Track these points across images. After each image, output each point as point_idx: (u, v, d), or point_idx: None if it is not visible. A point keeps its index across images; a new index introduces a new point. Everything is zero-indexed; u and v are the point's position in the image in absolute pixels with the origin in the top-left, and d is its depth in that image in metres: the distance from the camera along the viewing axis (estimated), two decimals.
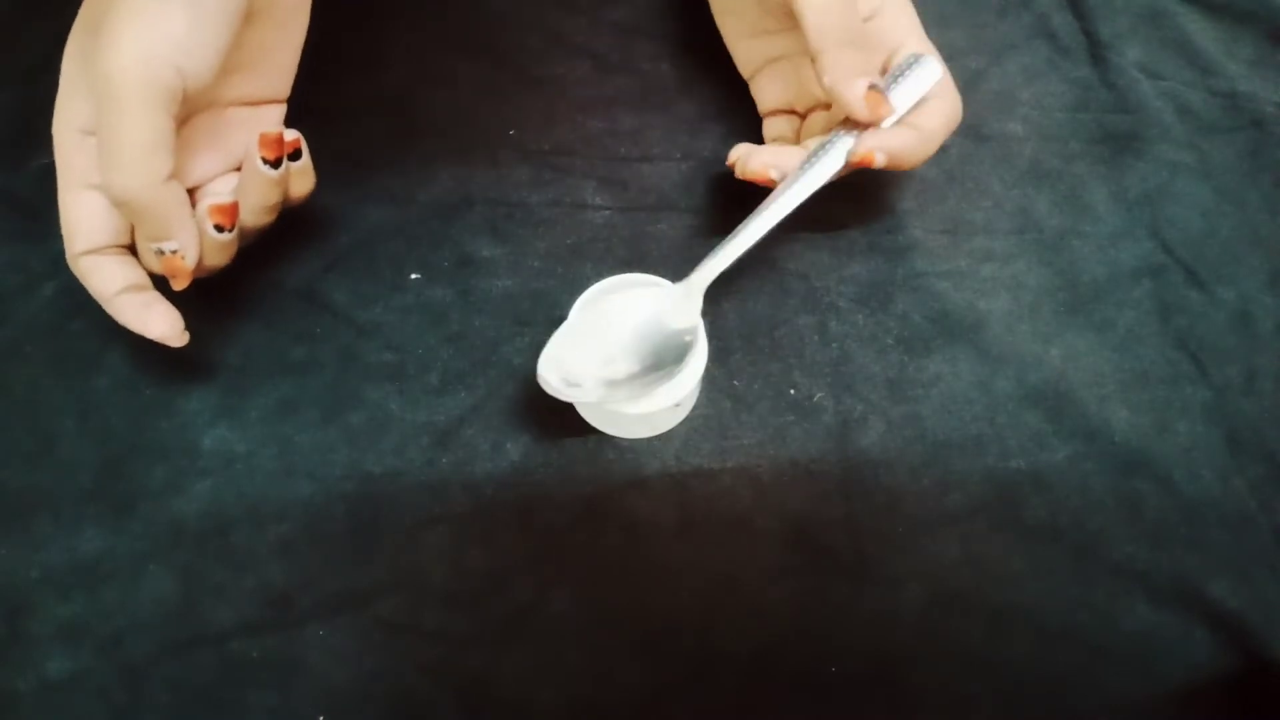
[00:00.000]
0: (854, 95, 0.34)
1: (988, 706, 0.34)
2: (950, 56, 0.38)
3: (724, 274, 0.35)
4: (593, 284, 0.36)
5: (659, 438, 0.38)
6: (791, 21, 0.35)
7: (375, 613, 0.35)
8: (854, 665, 0.35)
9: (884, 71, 0.36)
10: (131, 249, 0.35)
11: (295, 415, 0.38)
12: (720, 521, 0.36)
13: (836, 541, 0.36)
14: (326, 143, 0.36)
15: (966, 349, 0.39)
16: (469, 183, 0.43)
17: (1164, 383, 0.39)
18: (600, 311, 0.35)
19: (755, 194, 0.37)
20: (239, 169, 0.35)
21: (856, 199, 0.42)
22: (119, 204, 0.31)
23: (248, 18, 0.33)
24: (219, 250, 0.34)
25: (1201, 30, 0.47)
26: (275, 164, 0.34)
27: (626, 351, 0.35)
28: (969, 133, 0.43)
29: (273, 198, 0.35)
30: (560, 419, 0.37)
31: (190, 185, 0.35)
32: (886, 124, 0.35)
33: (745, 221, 0.35)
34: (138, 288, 0.34)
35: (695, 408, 0.38)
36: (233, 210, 0.34)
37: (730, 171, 0.38)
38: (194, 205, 0.34)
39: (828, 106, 0.40)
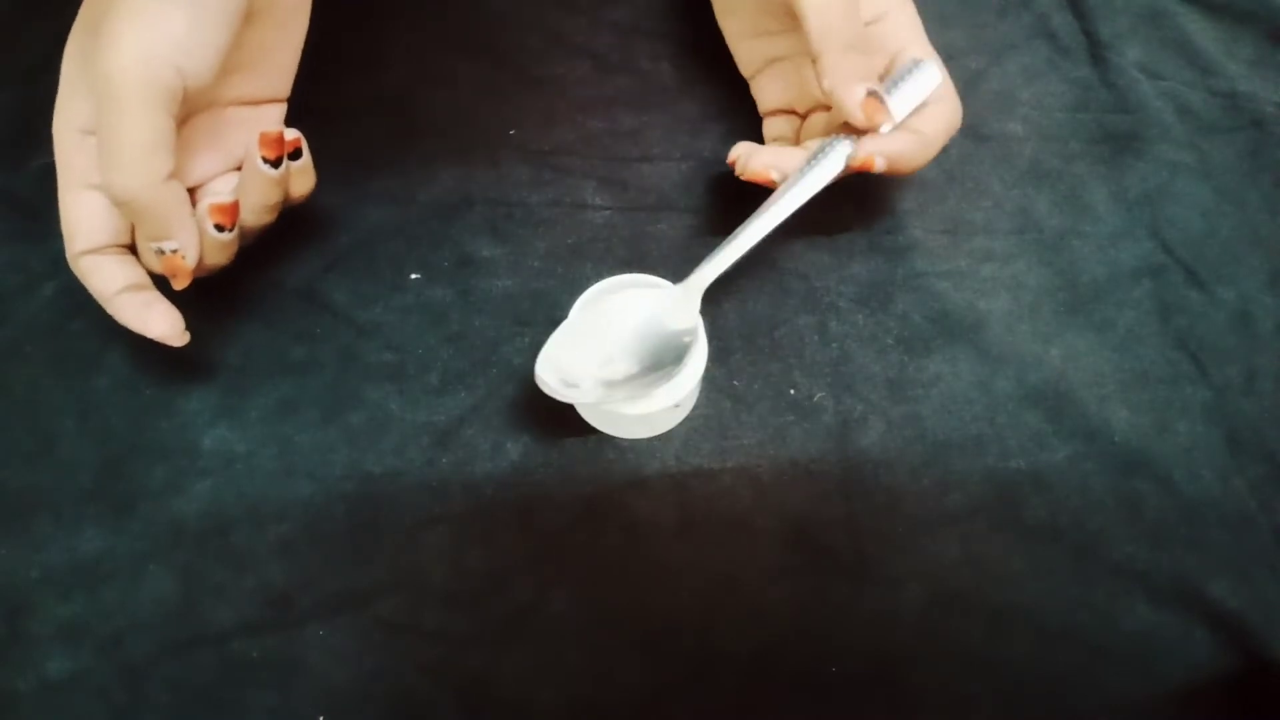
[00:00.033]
0: (853, 100, 0.34)
1: (988, 706, 0.34)
2: (950, 56, 0.38)
3: (724, 274, 0.35)
4: (593, 284, 0.36)
5: (659, 438, 0.38)
6: (793, 22, 0.35)
7: (375, 613, 0.35)
8: (854, 665, 0.35)
9: (885, 75, 0.36)
10: (132, 249, 0.35)
11: (295, 415, 0.38)
12: (720, 521, 0.36)
13: (836, 541, 0.36)
14: (326, 143, 0.36)
15: (966, 349, 0.39)
16: (469, 183, 0.43)
17: (1164, 383, 0.39)
18: (599, 312, 0.35)
19: (755, 194, 0.37)
20: (239, 169, 0.35)
21: (856, 199, 0.42)
22: (119, 204, 0.31)
23: (248, 17, 0.33)
24: (219, 250, 0.34)
25: (1201, 30, 0.47)
26: (276, 163, 0.34)
27: (625, 352, 0.35)
28: (969, 133, 0.43)
29: (273, 197, 0.35)
30: (560, 419, 0.37)
31: (190, 185, 0.35)
32: (885, 129, 0.35)
33: (744, 224, 0.35)
34: (138, 287, 0.34)
35: (695, 408, 0.38)
36: (233, 210, 0.34)
37: (730, 171, 0.38)
38: (194, 205, 0.34)
39: (828, 108, 0.40)
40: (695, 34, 0.45)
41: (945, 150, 0.37)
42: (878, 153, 0.34)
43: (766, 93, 0.42)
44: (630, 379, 0.34)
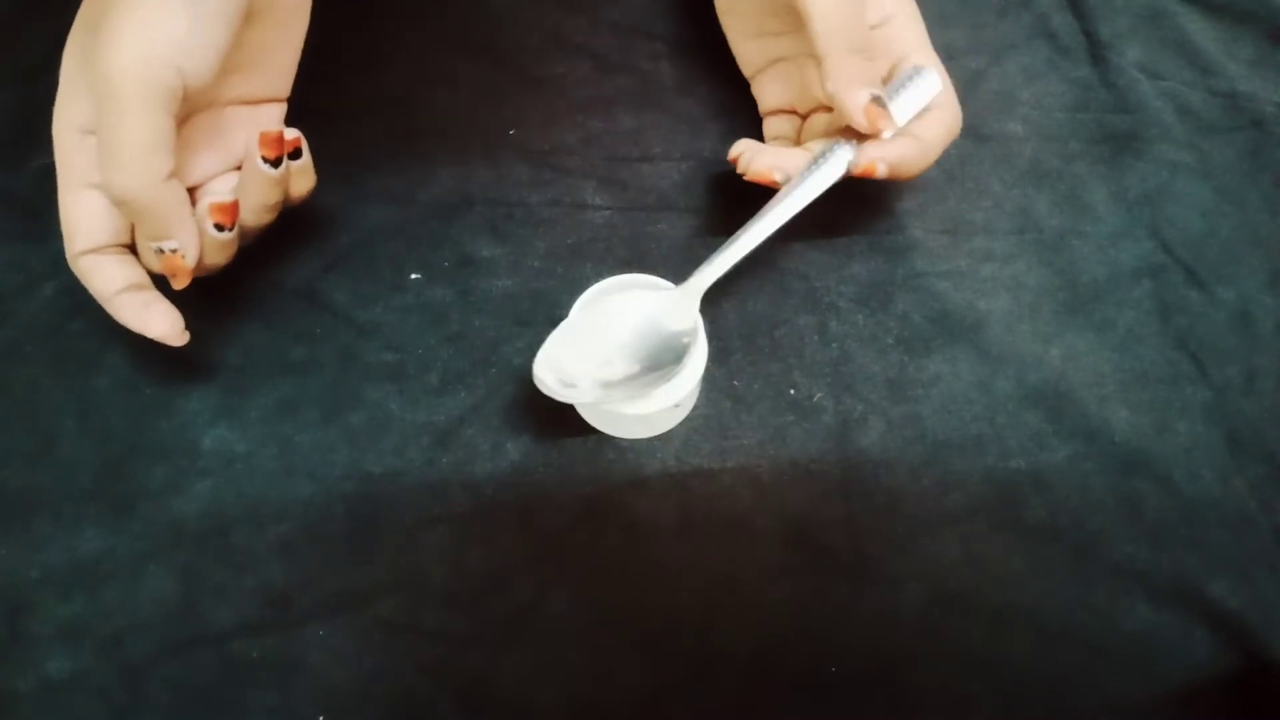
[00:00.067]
0: (855, 105, 0.34)
1: (988, 706, 0.34)
2: (950, 56, 0.38)
3: (724, 274, 0.35)
4: (593, 284, 0.36)
5: (659, 438, 0.38)
6: (796, 23, 0.35)
7: (375, 613, 0.35)
8: (854, 665, 0.35)
9: (886, 80, 0.36)
10: (132, 248, 0.35)
11: (295, 415, 0.38)
12: (720, 521, 0.36)
13: (836, 541, 0.36)
14: (326, 143, 0.36)
15: (966, 349, 0.39)
16: (469, 183, 0.43)
17: (1164, 383, 0.39)
18: (599, 312, 0.35)
19: (755, 194, 0.37)
20: (239, 168, 0.35)
21: (856, 199, 0.42)
22: (119, 203, 0.31)
23: (248, 17, 0.33)
24: (219, 249, 0.34)
25: (1201, 30, 0.47)
26: (275, 163, 0.34)
27: (624, 353, 0.35)
28: (969, 133, 0.43)
29: (273, 197, 0.35)
30: (560, 419, 0.37)
31: (190, 184, 0.35)
32: (886, 135, 0.35)
33: (744, 227, 0.35)
34: (138, 287, 0.34)
35: (695, 408, 0.38)
36: (233, 209, 0.34)
37: (730, 171, 0.38)
38: (194, 204, 0.34)
39: (829, 109, 0.40)
40: (695, 34, 0.45)
41: (945, 151, 0.37)
42: (880, 159, 0.35)
43: (767, 93, 0.42)
44: (629, 379, 0.34)
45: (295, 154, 0.35)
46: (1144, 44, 0.47)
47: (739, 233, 0.35)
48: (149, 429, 0.37)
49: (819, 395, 0.38)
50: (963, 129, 0.37)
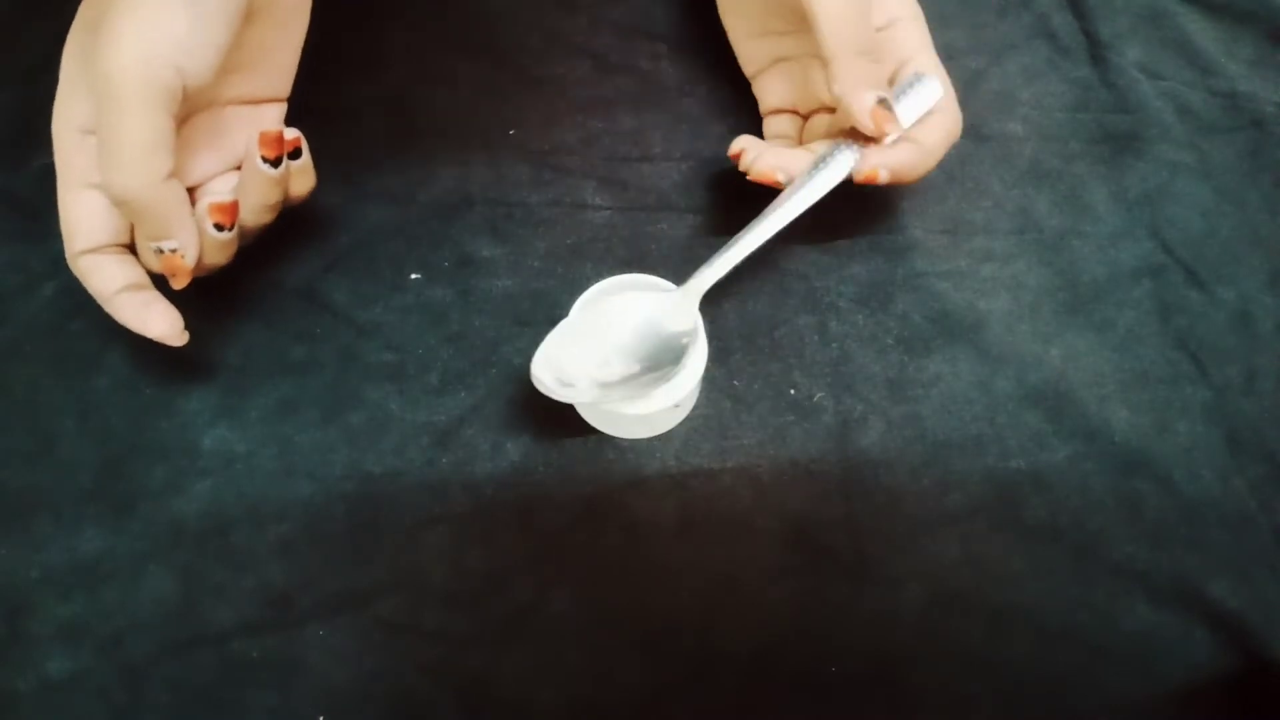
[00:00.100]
0: (862, 107, 0.34)
1: (988, 706, 0.34)
2: (950, 56, 0.38)
3: (724, 275, 0.35)
4: (593, 284, 0.36)
5: (659, 438, 0.38)
6: (799, 23, 0.35)
7: (375, 613, 0.35)
8: (854, 665, 0.35)
9: (891, 83, 0.36)
10: (131, 248, 0.35)
11: (295, 415, 0.38)
12: (720, 521, 0.36)
13: (836, 541, 0.36)
14: (326, 143, 0.36)
15: (966, 349, 0.39)
16: (469, 183, 0.43)
17: (1164, 383, 0.39)
18: (599, 312, 0.35)
19: (755, 194, 0.37)
20: (239, 168, 0.35)
21: (857, 199, 0.42)
22: (119, 203, 0.31)
23: (248, 17, 0.33)
24: (219, 249, 0.34)
25: (1201, 30, 0.47)
26: (275, 163, 0.34)
27: (623, 353, 0.35)
28: (969, 133, 0.43)
29: (273, 197, 0.35)
30: (560, 419, 0.37)
31: (190, 184, 0.35)
32: (890, 139, 0.35)
33: (744, 230, 0.35)
34: (137, 287, 0.34)
35: (695, 408, 0.38)
36: (232, 209, 0.34)
37: (731, 171, 0.38)
38: (194, 204, 0.34)
39: (831, 110, 0.40)
40: (696, 34, 0.45)
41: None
42: (882, 165, 0.35)
43: (769, 93, 0.42)
44: (627, 380, 0.34)
45: (295, 154, 0.35)
46: (1144, 44, 0.47)
47: (739, 235, 0.35)
48: (149, 429, 0.37)
49: (819, 395, 0.38)
50: (963, 129, 0.37)
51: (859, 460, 0.37)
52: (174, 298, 0.34)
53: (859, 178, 0.35)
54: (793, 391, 0.39)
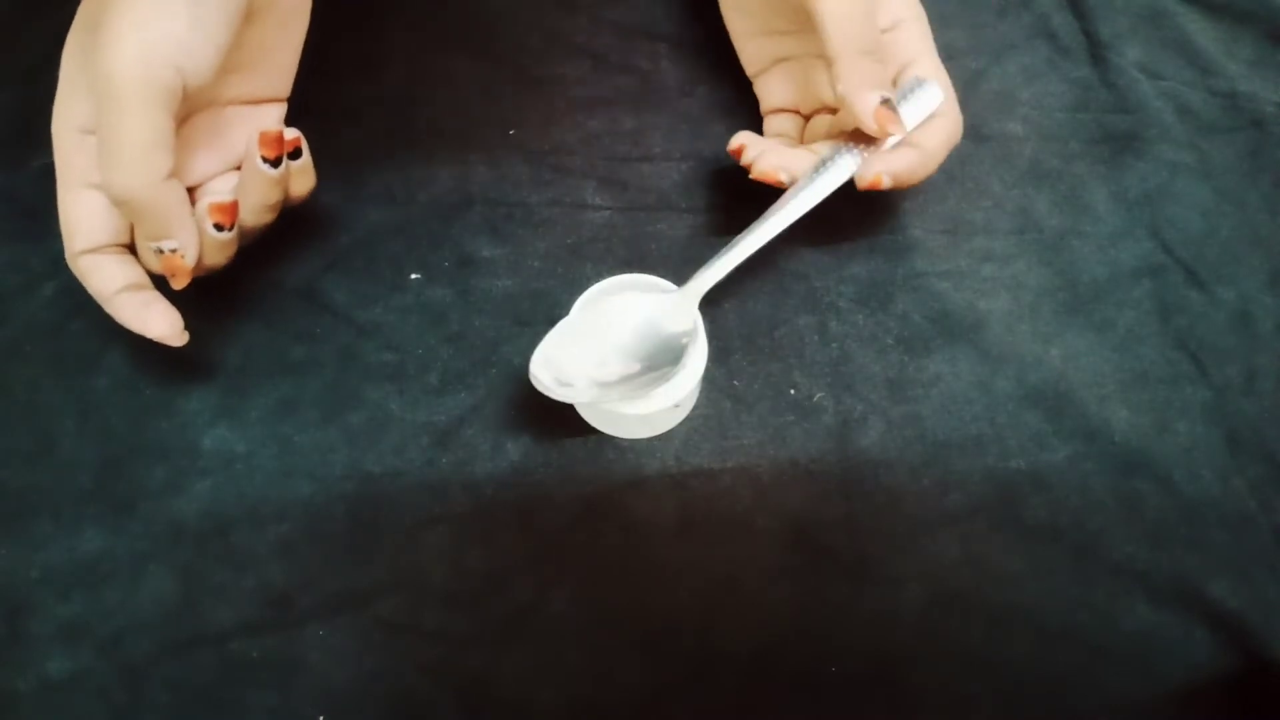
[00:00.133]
0: (866, 108, 0.34)
1: (988, 706, 0.34)
2: (950, 56, 0.38)
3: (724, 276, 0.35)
4: (593, 284, 0.36)
5: (659, 438, 0.38)
6: (803, 22, 0.35)
7: (375, 613, 0.35)
8: (854, 665, 0.35)
9: (892, 85, 0.36)
10: (131, 248, 0.35)
11: (295, 415, 0.38)
12: (720, 521, 0.36)
13: (836, 541, 0.36)
14: (326, 143, 0.37)
15: (966, 349, 0.39)
16: (469, 183, 0.43)
17: (1164, 383, 0.39)
18: (599, 312, 0.35)
19: (755, 194, 0.37)
20: (239, 168, 0.35)
21: (857, 199, 0.42)
22: (119, 203, 0.31)
23: (248, 16, 0.33)
24: (219, 249, 0.34)
25: (1201, 30, 0.47)
26: (275, 163, 0.34)
27: (622, 353, 0.35)
28: (969, 133, 0.43)
29: (273, 197, 0.35)
30: (560, 419, 0.37)
31: (190, 184, 0.35)
32: (891, 142, 0.35)
33: (744, 233, 0.35)
34: (137, 287, 0.34)
35: (695, 408, 0.38)
36: (232, 209, 0.34)
37: (731, 171, 0.38)
38: (194, 204, 0.34)
39: (832, 110, 0.40)
40: (696, 34, 0.46)
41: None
42: (885, 172, 0.35)
43: (771, 92, 0.42)
44: (625, 380, 0.34)
45: (295, 154, 0.35)
46: (1144, 44, 0.47)
47: (739, 237, 0.35)
48: (149, 429, 0.37)
49: (819, 395, 0.38)
50: (963, 129, 0.37)
51: (859, 460, 0.37)
52: (174, 298, 0.34)
53: (862, 185, 0.35)
54: (793, 391, 0.39)
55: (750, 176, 0.37)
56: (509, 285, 0.40)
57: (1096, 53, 0.46)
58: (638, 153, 0.43)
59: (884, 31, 0.37)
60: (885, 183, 0.35)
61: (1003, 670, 0.35)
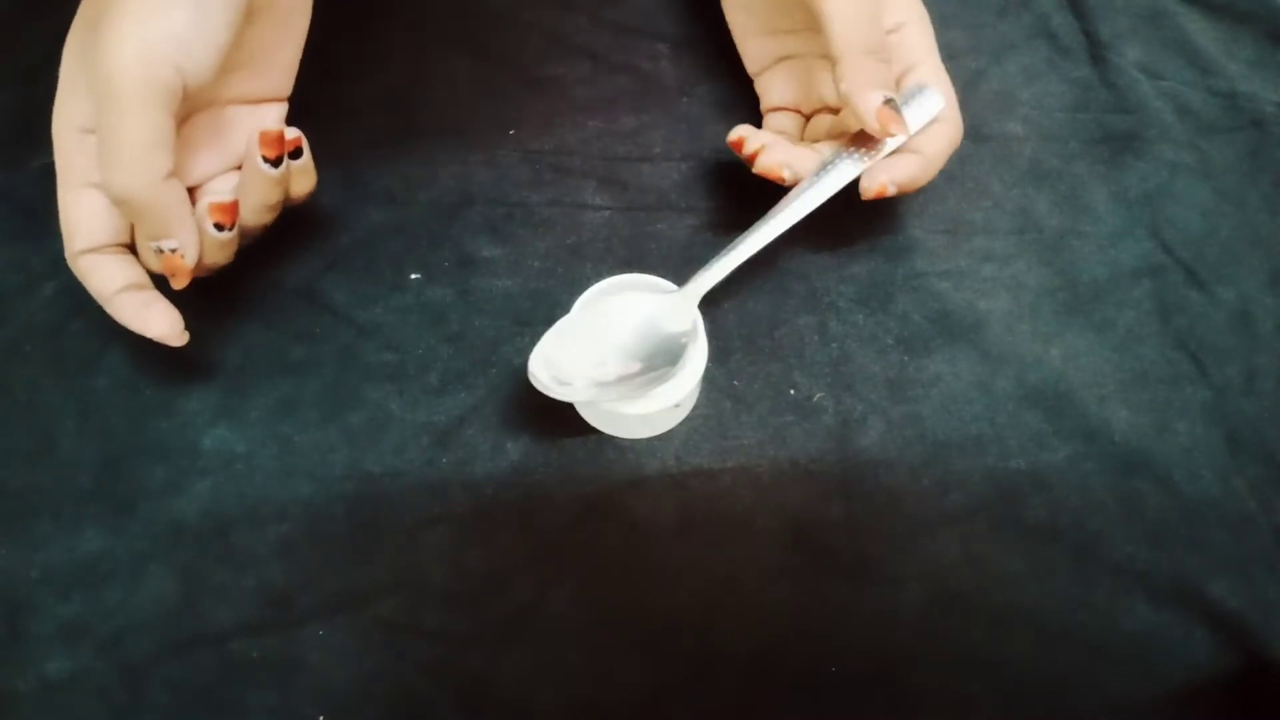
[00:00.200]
0: (869, 108, 0.34)
1: (988, 706, 0.34)
2: (950, 56, 0.38)
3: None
4: (593, 284, 0.36)
5: (659, 438, 0.38)
6: (806, 21, 0.35)
7: (375, 613, 0.35)
8: (854, 665, 0.35)
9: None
10: (131, 248, 0.35)
11: (295, 415, 0.38)
12: (720, 521, 0.36)
13: (836, 541, 0.36)
14: (326, 143, 0.36)
15: (966, 349, 0.39)
16: (469, 183, 0.43)
17: (1164, 383, 0.39)
18: (599, 312, 0.35)
19: (755, 194, 0.37)
20: (239, 168, 0.35)
21: (857, 200, 0.42)
22: (119, 202, 0.31)
23: (249, 15, 0.32)
24: (219, 249, 0.34)
25: (1201, 30, 0.47)
26: (276, 162, 0.34)
27: (621, 353, 0.35)
28: (969, 133, 0.43)
29: (273, 196, 0.35)
30: (560, 419, 0.37)
31: (190, 184, 0.35)
32: (892, 144, 0.35)
33: (743, 234, 0.35)
34: (137, 286, 0.34)
35: (695, 408, 0.38)
36: (233, 209, 0.34)
37: (731, 171, 0.38)
38: (194, 204, 0.34)
39: (833, 110, 0.40)
40: (696, 34, 0.46)
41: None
42: (889, 181, 0.35)
43: (771, 90, 0.42)
44: (624, 379, 0.34)
45: (296, 153, 0.35)
46: (1144, 44, 0.47)
47: (738, 239, 0.35)
48: (149, 429, 0.37)
49: (819, 395, 0.38)
50: (963, 129, 0.37)
51: (859, 460, 0.37)
52: (174, 298, 0.34)
53: (868, 195, 0.35)
54: (793, 391, 0.39)
55: (753, 171, 0.37)
56: (509, 285, 0.40)
57: (1096, 53, 0.46)
58: (638, 153, 0.43)
59: (888, 33, 0.37)
60: (890, 191, 0.35)
61: (1003, 670, 0.35)
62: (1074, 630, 0.35)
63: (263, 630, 0.34)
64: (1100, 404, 0.39)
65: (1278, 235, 0.42)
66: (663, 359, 0.35)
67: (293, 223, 0.39)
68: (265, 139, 0.33)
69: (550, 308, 0.40)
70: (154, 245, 0.32)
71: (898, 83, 0.37)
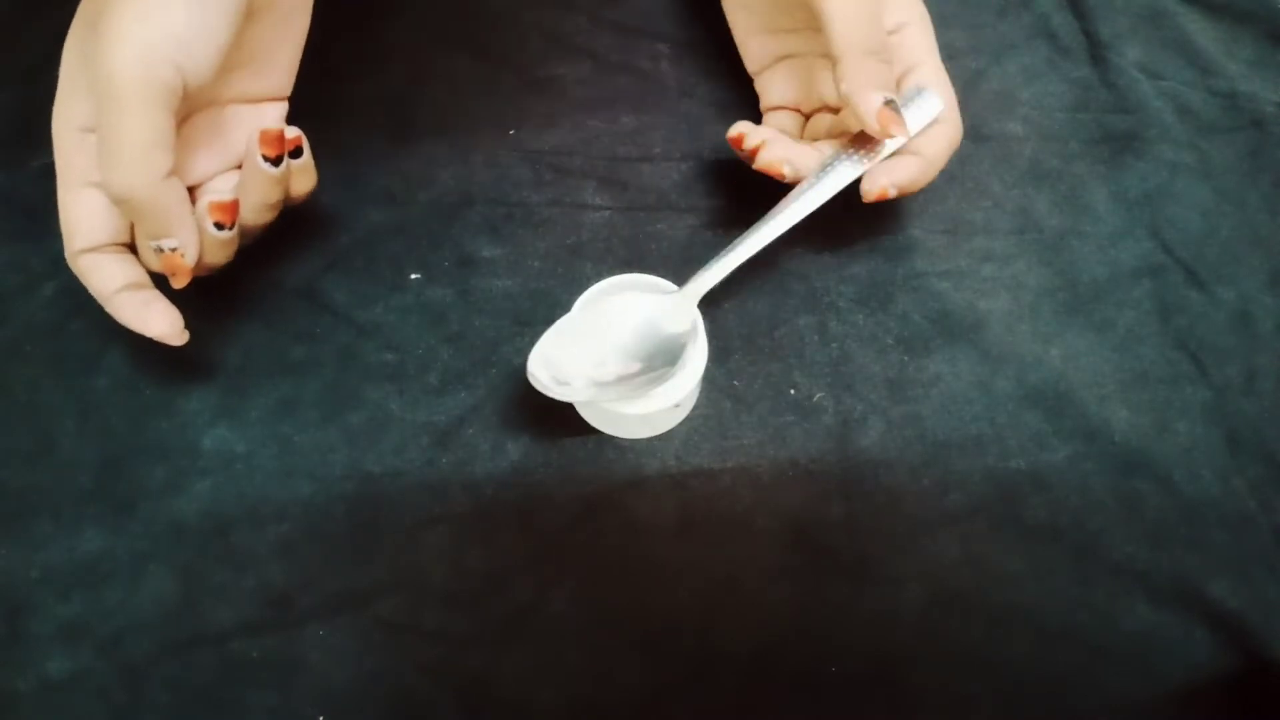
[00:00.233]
0: (869, 108, 0.34)
1: (988, 706, 0.34)
2: (950, 56, 0.38)
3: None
4: (593, 284, 0.36)
5: (659, 438, 0.38)
6: (807, 20, 0.35)
7: (375, 613, 0.35)
8: (854, 665, 0.35)
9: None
10: (131, 247, 0.35)
11: (295, 415, 0.38)
12: (720, 521, 0.36)
13: (836, 541, 0.36)
14: (326, 142, 0.36)
15: (966, 349, 0.39)
16: (469, 183, 0.43)
17: (1164, 383, 0.39)
18: (598, 312, 0.35)
19: (754, 194, 0.37)
20: (239, 167, 0.35)
21: (857, 200, 0.42)
22: (119, 202, 0.31)
23: (249, 15, 0.32)
24: (219, 248, 0.34)
25: (1201, 30, 0.47)
26: (276, 161, 0.34)
27: (621, 353, 0.35)
28: (969, 133, 0.43)
29: (273, 196, 0.35)
30: (560, 419, 0.37)
31: (190, 183, 0.35)
32: (892, 145, 0.35)
33: (742, 235, 0.35)
34: (137, 286, 0.34)
35: (695, 408, 0.38)
36: (233, 208, 0.34)
37: (731, 171, 0.38)
38: (194, 203, 0.34)
39: (833, 110, 0.40)
40: (696, 34, 0.46)
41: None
42: (890, 184, 0.35)
43: (772, 89, 0.42)
44: (624, 379, 0.34)
45: (296, 153, 0.35)
46: (1144, 44, 0.47)
47: (738, 240, 0.35)
48: (149, 429, 0.37)
49: (819, 395, 0.38)
50: (963, 129, 0.37)
51: (859, 460, 0.37)
52: (174, 298, 0.34)
53: (869, 198, 0.35)
54: (793, 391, 0.39)
55: (754, 167, 0.37)
56: (509, 285, 0.40)
57: (1096, 53, 0.46)
58: (638, 153, 0.43)
59: (889, 34, 0.37)
60: (891, 194, 0.35)
61: (1003, 670, 0.35)
62: (1074, 630, 0.35)
63: (263, 630, 0.34)
64: (1100, 404, 0.39)
65: (1278, 235, 0.42)
66: (662, 359, 0.35)
67: (293, 223, 0.39)
68: (265, 138, 0.33)
69: (550, 308, 0.40)
70: (154, 244, 0.32)
71: (898, 83, 0.37)
